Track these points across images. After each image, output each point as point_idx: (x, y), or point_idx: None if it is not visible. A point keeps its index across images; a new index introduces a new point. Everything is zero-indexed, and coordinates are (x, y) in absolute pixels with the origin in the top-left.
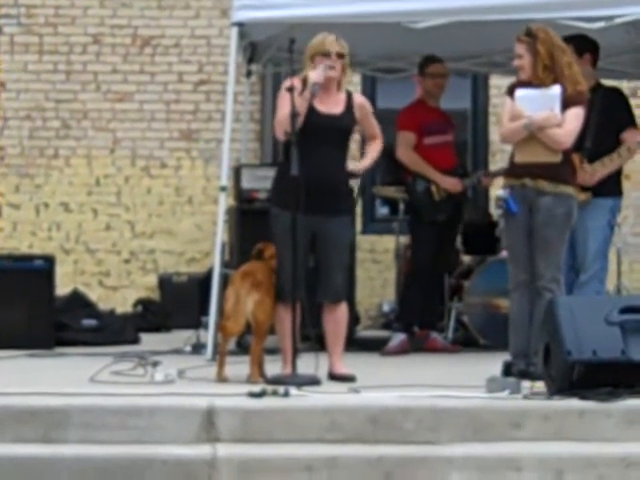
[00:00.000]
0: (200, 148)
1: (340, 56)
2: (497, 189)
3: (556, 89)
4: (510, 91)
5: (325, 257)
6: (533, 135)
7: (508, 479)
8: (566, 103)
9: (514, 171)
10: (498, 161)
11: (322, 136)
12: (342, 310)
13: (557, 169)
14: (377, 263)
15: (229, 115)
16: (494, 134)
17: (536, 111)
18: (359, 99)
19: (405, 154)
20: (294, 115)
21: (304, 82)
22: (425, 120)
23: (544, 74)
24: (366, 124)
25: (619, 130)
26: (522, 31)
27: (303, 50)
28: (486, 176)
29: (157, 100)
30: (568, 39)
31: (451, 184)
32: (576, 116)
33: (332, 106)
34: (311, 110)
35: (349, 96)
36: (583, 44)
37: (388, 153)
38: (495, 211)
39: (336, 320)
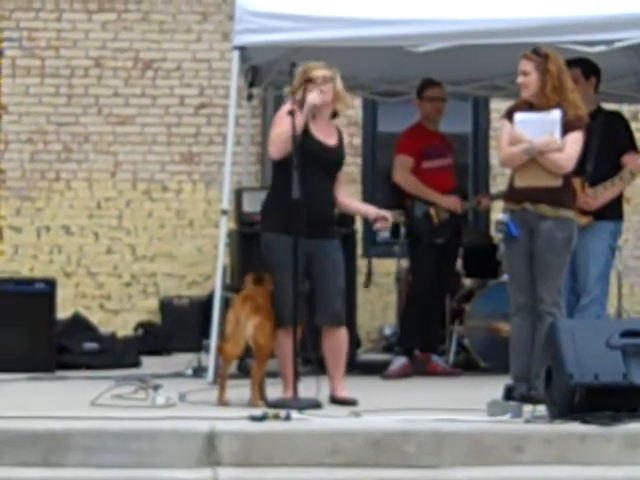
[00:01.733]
0: (201, 171)
1: (326, 81)
2: (497, 212)
3: (556, 113)
4: (509, 115)
5: (322, 281)
6: (534, 160)
7: None
8: (566, 128)
9: (514, 195)
10: (499, 184)
11: (318, 163)
12: (342, 333)
13: (558, 193)
14: (378, 286)
15: (230, 138)
16: (495, 158)
17: (536, 135)
18: (346, 138)
19: (402, 177)
20: (295, 139)
21: (300, 104)
22: (424, 144)
23: (552, 94)
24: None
25: (620, 154)
26: (530, 50)
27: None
28: (485, 197)
29: (158, 123)
30: (574, 62)
31: (450, 203)
32: (576, 141)
33: (328, 137)
34: (309, 137)
35: (339, 131)
36: (589, 67)
37: (388, 176)
38: (495, 235)
39: (336, 343)
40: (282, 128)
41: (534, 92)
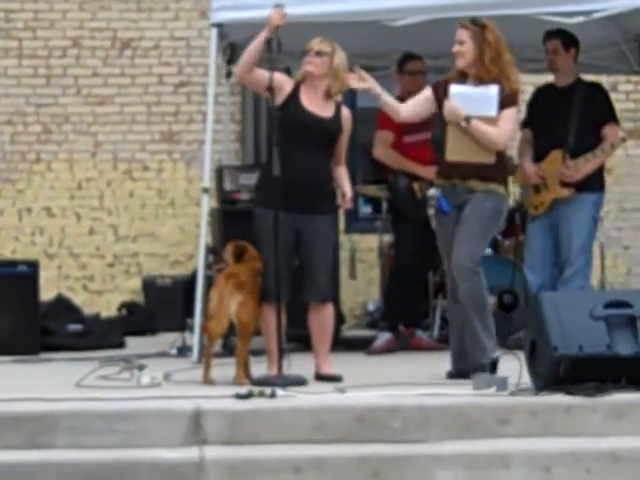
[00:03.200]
0: (181, 150)
1: (319, 54)
2: None
3: (494, 89)
4: (436, 86)
5: (309, 257)
6: (466, 134)
7: (496, 476)
8: (502, 103)
9: (444, 171)
10: None
11: (309, 136)
12: (328, 310)
13: (490, 170)
14: (361, 262)
15: (210, 116)
16: None
17: (473, 110)
18: (346, 113)
19: (382, 152)
20: (274, 114)
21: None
22: None
23: (491, 65)
24: (341, 141)
25: (600, 125)
26: (468, 20)
27: (283, 49)
28: None
29: (138, 103)
30: (554, 33)
31: (432, 172)
32: (511, 117)
33: (321, 109)
34: (298, 107)
35: (338, 106)
36: (569, 39)
37: (368, 152)
38: (428, 210)
39: (322, 320)
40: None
41: (469, 62)
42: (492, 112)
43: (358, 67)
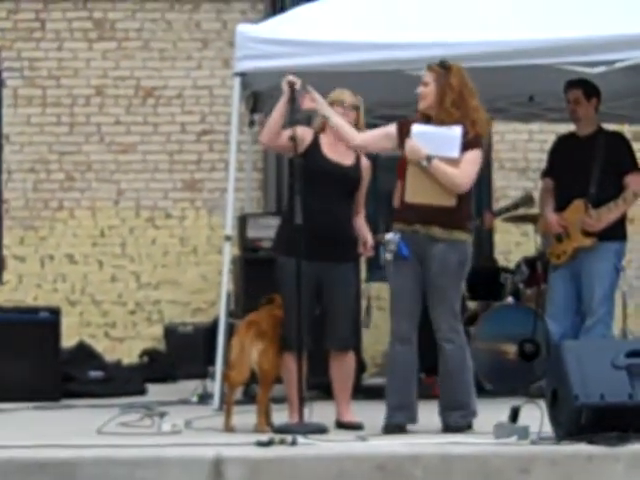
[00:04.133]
0: (204, 198)
1: (355, 108)
2: (502, 233)
3: (457, 130)
4: (402, 125)
5: (331, 305)
6: (427, 175)
7: None
8: (465, 145)
9: (405, 214)
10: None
11: (330, 184)
12: (349, 358)
13: (451, 215)
14: (382, 310)
15: (232, 164)
16: (498, 180)
17: (435, 150)
18: (366, 161)
19: None
20: (296, 163)
21: (322, 128)
22: None
23: (452, 109)
24: (360, 190)
25: (622, 174)
26: (435, 62)
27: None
28: (489, 214)
29: (160, 151)
30: (575, 83)
31: None
32: (474, 160)
33: (342, 157)
34: (320, 156)
35: (358, 155)
36: (590, 88)
37: (389, 201)
38: (383, 255)
39: (343, 368)
40: (271, 115)
41: (430, 104)
42: (454, 153)
43: (309, 87)
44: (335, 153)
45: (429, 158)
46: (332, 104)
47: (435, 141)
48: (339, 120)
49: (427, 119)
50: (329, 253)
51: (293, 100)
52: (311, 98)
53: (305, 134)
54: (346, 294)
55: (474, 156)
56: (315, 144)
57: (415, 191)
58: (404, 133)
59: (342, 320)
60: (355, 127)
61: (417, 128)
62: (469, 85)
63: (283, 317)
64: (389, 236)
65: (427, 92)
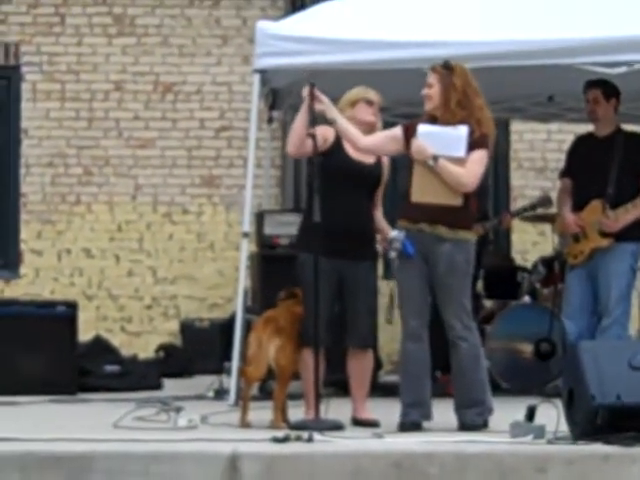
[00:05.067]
0: (222, 194)
1: (378, 105)
2: (519, 233)
3: (463, 130)
4: (407, 128)
5: (352, 303)
6: (433, 174)
7: None
8: (472, 145)
9: (411, 213)
10: (519, 206)
11: (353, 182)
12: (368, 356)
13: (457, 213)
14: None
15: (251, 161)
16: (515, 179)
17: (441, 150)
18: (386, 159)
19: None
20: (315, 161)
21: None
22: None
23: (457, 109)
24: (380, 186)
25: None
26: (439, 63)
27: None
28: (507, 215)
29: (179, 146)
30: (595, 84)
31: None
32: (480, 159)
33: (364, 156)
34: (342, 154)
35: None
36: (610, 89)
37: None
38: (389, 253)
39: (362, 366)
40: (294, 124)
41: (436, 105)
42: (460, 153)
43: (315, 88)
44: (357, 152)
45: (435, 158)
46: (358, 101)
47: (441, 141)
48: (345, 123)
49: (433, 120)
50: (351, 251)
51: (313, 108)
52: (318, 100)
53: (327, 133)
54: (367, 292)
55: (480, 156)
56: (338, 143)
57: (421, 190)
58: (410, 135)
59: (363, 318)
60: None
61: (423, 128)
62: (473, 85)
63: (303, 314)
64: (394, 234)
65: (432, 93)
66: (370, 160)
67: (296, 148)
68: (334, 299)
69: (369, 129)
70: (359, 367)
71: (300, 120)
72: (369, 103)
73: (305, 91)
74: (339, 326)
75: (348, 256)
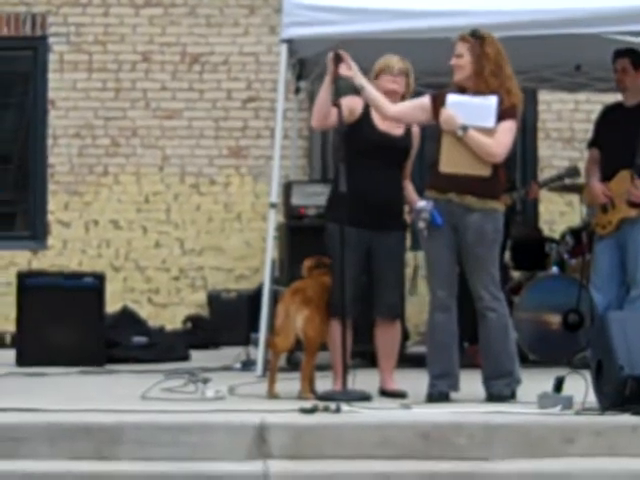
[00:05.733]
0: (249, 165)
1: (402, 73)
2: (546, 203)
3: (493, 99)
4: (435, 98)
5: (381, 274)
6: (463, 145)
7: None
8: (500, 115)
9: (439, 183)
10: (547, 176)
11: (382, 154)
12: (396, 327)
13: (486, 184)
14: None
15: (279, 132)
16: (543, 149)
17: (470, 120)
18: (416, 129)
19: None
20: (340, 131)
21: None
22: None
23: (491, 79)
24: (409, 157)
25: None
26: (467, 32)
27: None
28: (534, 185)
29: (206, 117)
30: (623, 53)
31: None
32: (509, 129)
33: (393, 127)
34: (370, 126)
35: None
36: (638, 58)
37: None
38: (416, 223)
39: (389, 337)
40: (317, 96)
41: (467, 74)
42: (490, 123)
43: (345, 53)
44: (385, 123)
45: (464, 128)
46: (380, 72)
47: (470, 111)
48: (373, 91)
49: (462, 90)
50: (379, 222)
51: (337, 79)
52: (347, 66)
53: (355, 104)
54: (395, 262)
55: (509, 126)
56: (366, 114)
57: (450, 161)
58: (438, 104)
59: (391, 289)
60: (405, 93)
61: (452, 98)
62: (503, 53)
63: (330, 284)
64: (421, 204)
65: (462, 63)
66: (399, 131)
67: (320, 121)
68: (362, 270)
69: (395, 98)
70: (387, 338)
71: (323, 92)
72: (391, 71)
73: (330, 60)
74: (367, 297)
75: (376, 227)
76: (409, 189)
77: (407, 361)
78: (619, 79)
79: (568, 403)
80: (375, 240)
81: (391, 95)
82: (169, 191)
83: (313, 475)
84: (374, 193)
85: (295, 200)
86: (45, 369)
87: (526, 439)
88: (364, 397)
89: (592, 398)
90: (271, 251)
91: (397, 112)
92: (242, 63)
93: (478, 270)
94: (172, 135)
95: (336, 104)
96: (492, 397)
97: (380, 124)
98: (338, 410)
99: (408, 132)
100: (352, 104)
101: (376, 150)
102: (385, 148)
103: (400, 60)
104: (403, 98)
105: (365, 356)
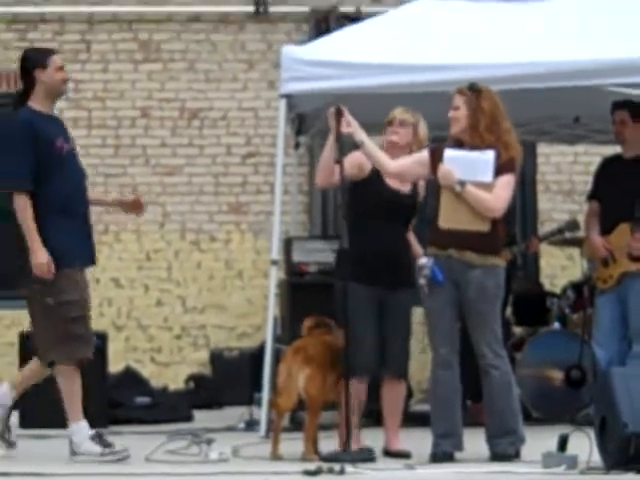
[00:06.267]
0: (249, 221)
1: (403, 124)
2: (547, 257)
3: (490, 154)
4: (434, 152)
5: (392, 332)
6: (460, 200)
7: None
8: (499, 169)
9: (439, 239)
10: (547, 230)
11: (391, 211)
12: (402, 386)
13: (485, 239)
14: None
15: (279, 187)
16: (543, 202)
17: (468, 175)
18: (422, 183)
19: None
20: (344, 189)
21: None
22: None
23: (487, 134)
24: None
25: None
26: (466, 85)
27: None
28: (535, 239)
29: (206, 173)
30: (621, 105)
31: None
32: (508, 183)
33: (401, 184)
34: (380, 182)
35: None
36: (636, 110)
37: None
38: (417, 280)
39: (396, 395)
40: (322, 155)
41: (463, 128)
42: (488, 178)
43: (346, 111)
44: (395, 180)
45: (462, 183)
46: (386, 124)
47: (468, 166)
48: (372, 147)
49: (459, 143)
50: (390, 278)
51: (341, 135)
52: (347, 122)
53: (364, 161)
54: (405, 320)
55: (507, 180)
56: (376, 170)
57: (449, 216)
58: (436, 159)
59: (401, 348)
60: (411, 144)
61: (449, 153)
62: (500, 107)
63: (334, 343)
64: (422, 261)
65: (459, 116)
66: (407, 188)
67: (325, 179)
68: (377, 328)
69: (396, 150)
70: (394, 397)
71: (327, 151)
72: (392, 122)
73: (330, 112)
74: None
75: (388, 284)
76: (413, 242)
77: (411, 420)
78: (618, 131)
79: (572, 462)
80: (386, 297)
81: (392, 147)
82: (170, 248)
83: None
84: (385, 250)
85: (296, 257)
86: (47, 431)
87: None
88: (368, 458)
89: (597, 457)
90: (273, 309)
91: (397, 168)
92: (241, 118)
93: (481, 327)
94: (172, 192)
95: (338, 161)
96: (496, 456)
97: (390, 182)
98: (342, 472)
99: (415, 188)
100: (361, 160)
101: (387, 208)
102: (395, 204)
103: (403, 111)
104: (411, 150)
105: (370, 415)
